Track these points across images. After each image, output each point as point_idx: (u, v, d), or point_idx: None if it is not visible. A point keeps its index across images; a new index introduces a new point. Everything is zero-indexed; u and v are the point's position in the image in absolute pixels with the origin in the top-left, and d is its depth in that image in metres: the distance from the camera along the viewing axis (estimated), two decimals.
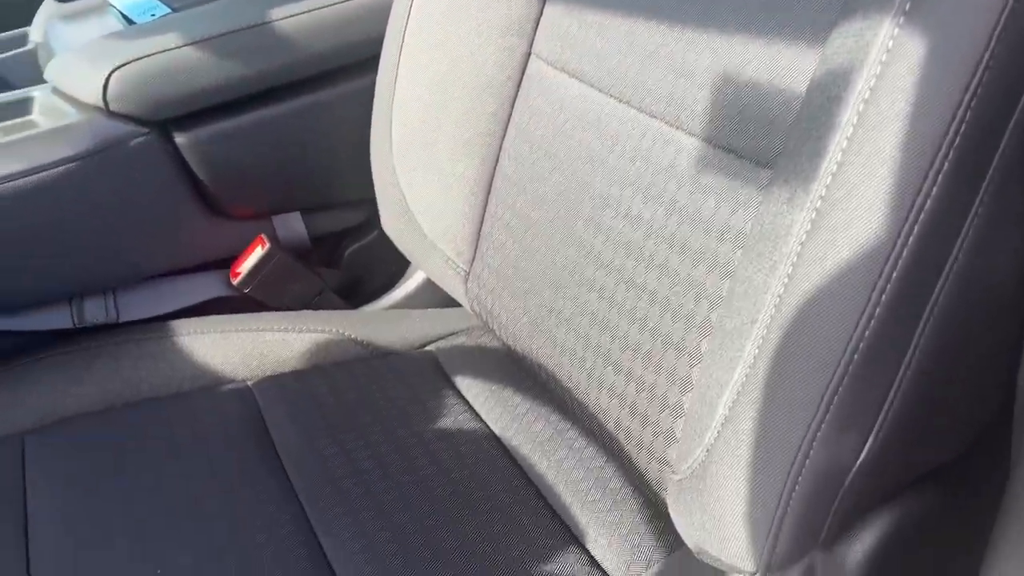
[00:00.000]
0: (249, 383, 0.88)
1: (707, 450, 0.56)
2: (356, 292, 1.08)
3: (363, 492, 0.74)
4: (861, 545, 0.59)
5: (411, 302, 1.05)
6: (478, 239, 0.85)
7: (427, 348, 0.95)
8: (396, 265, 1.07)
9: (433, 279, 0.92)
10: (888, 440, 0.51)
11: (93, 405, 0.84)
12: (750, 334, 0.53)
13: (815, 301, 0.49)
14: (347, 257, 1.09)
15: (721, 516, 0.55)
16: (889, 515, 0.60)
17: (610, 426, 0.71)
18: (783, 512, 0.51)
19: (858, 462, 0.51)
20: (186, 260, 0.98)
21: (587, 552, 0.70)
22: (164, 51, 0.90)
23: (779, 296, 0.51)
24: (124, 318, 0.95)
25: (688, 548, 0.63)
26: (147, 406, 0.84)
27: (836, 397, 0.49)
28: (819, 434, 0.50)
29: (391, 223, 0.93)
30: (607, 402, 0.70)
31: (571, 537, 0.71)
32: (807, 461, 0.50)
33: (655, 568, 0.68)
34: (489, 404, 0.85)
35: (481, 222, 0.85)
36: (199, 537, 0.69)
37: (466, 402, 0.86)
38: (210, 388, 0.87)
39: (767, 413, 0.51)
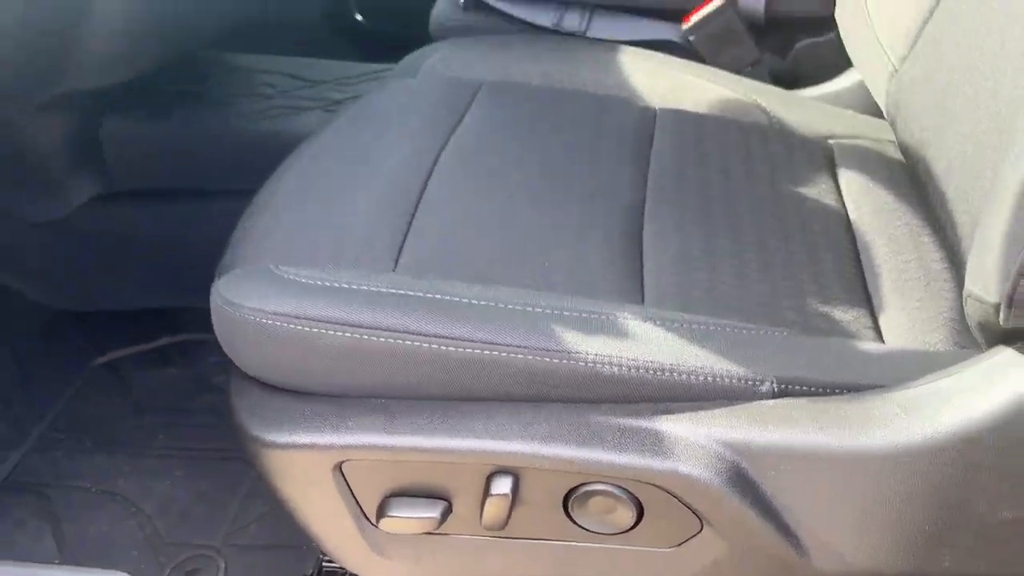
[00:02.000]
0: (657, 108, 0.98)
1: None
2: (785, 84, 1.12)
3: (701, 207, 0.82)
4: None
5: (831, 101, 1.06)
6: (916, 39, 0.84)
7: (829, 141, 0.97)
8: (833, 74, 1.09)
9: (859, 69, 0.93)
10: None
11: (536, 78, 1.01)
12: None
13: None
14: (796, 49, 1.12)
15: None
16: None
17: (965, 241, 0.70)
18: None
19: None
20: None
21: (874, 318, 0.72)
22: None
23: None
24: (590, 34, 1.11)
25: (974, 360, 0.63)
26: (572, 95, 0.99)
27: None
28: None
29: (843, 7, 0.95)
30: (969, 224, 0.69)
31: (867, 302, 0.73)
32: None
33: (935, 350, 0.69)
34: (859, 196, 0.86)
35: (925, 22, 0.83)
36: (551, 202, 0.82)
37: (839, 191, 0.88)
38: (626, 101, 0.99)
39: None
